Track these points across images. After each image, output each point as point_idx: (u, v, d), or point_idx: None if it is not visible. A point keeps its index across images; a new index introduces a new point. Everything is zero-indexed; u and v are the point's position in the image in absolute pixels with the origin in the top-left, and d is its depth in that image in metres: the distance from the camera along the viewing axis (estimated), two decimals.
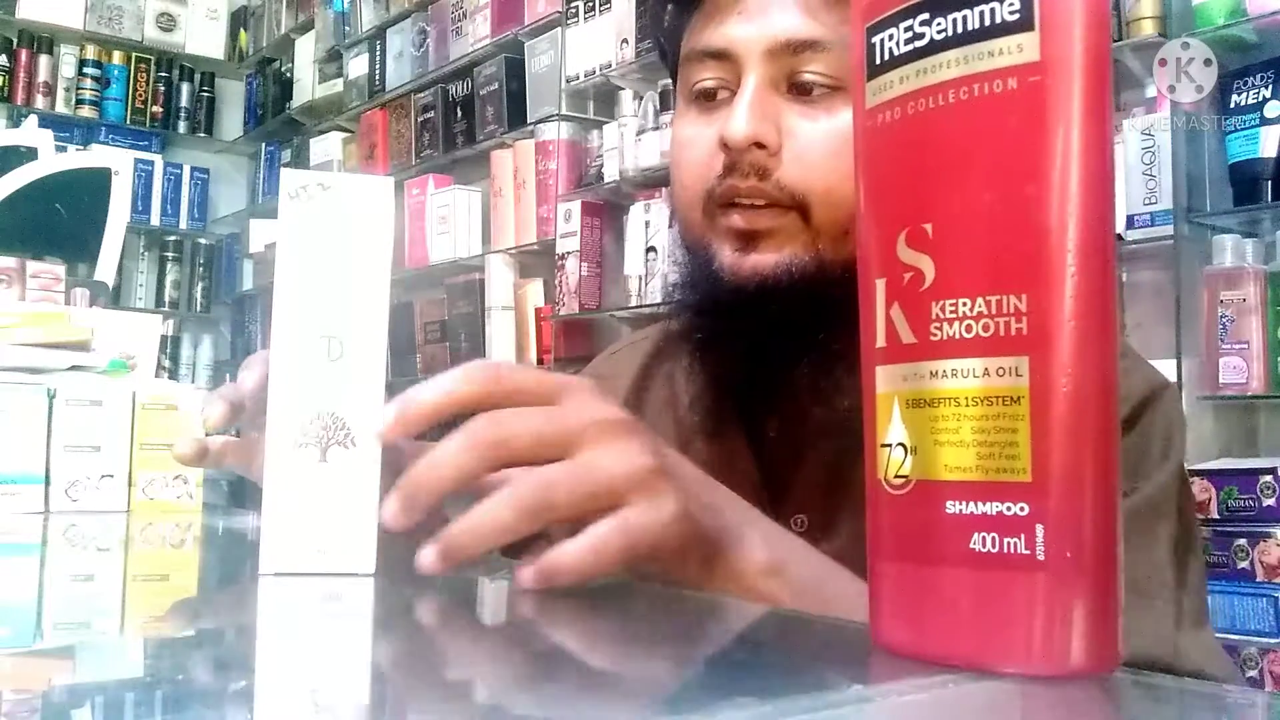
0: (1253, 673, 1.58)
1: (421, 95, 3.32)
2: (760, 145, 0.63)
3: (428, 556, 0.43)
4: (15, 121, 3.59)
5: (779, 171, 0.63)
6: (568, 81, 2.76)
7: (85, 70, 4.02)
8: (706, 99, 0.67)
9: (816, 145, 0.63)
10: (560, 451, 0.43)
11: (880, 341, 0.34)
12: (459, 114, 3.16)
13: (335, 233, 0.47)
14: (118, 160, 1.42)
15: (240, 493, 1.46)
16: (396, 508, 0.43)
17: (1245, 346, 1.66)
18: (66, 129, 3.80)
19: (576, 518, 0.43)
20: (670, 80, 0.77)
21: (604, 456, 0.43)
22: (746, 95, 0.63)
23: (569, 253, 2.69)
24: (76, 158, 1.68)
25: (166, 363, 3.93)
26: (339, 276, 0.47)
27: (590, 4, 2.71)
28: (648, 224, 2.51)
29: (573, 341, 2.75)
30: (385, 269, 0.47)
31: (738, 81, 0.65)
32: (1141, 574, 0.58)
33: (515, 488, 0.43)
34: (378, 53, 3.54)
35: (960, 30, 0.32)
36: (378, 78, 3.54)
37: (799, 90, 0.64)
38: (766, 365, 0.65)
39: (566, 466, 0.43)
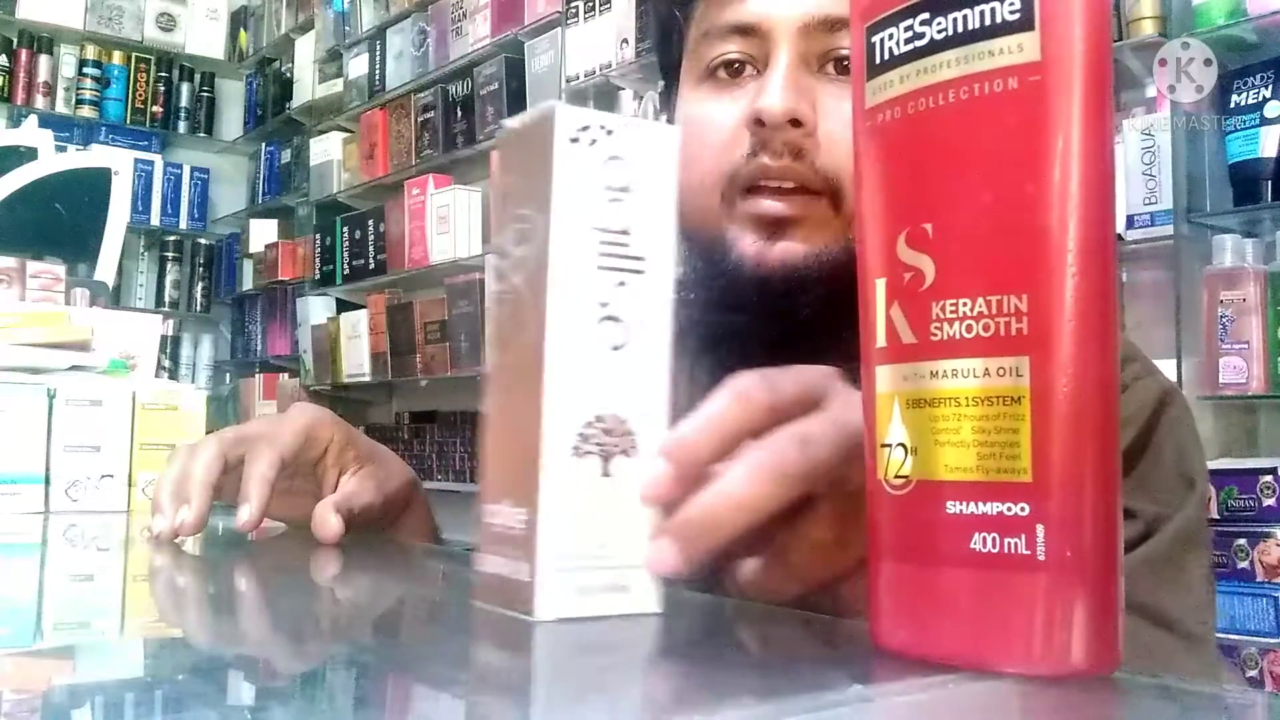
0: (1253, 673, 1.58)
1: (421, 95, 3.32)
2: (796, 123, 0.59)
3: (662, 551, 0.36)
4: (15, 121, 3.58)
5: (813, 153, 0.59)
6: (568, 81, 2.76)
7: (85, 70, 4.02)
8: (729, 74, 0.63)
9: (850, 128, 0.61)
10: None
11: (880, 341, 0.34)
12: (459, 114, 3.16)
13: (617, 188, 0.39)
14: (118, 160, 1.41)
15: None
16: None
17: (1245, 346, 1.66)
18: (66, 129, 3.79)
19: (836, 482, 0.37)
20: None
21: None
22: (781, 70, 0.60)
23: None
24: (76, 158, 1.68)
25: (166, 363, 3.93)
26: (621, 243, 0.38)
27: (590, 4, 2.71)
28: None
29: None
30: (671, 235, 0.40)
31: (765, 58, 0.61)
32: (1180, 613, 0.55)
33: (768, 450, 0.37)
34: (378, 53, 3.54)
35: (960, 30, 0.32)
36: (378, 78, 3.53)
37: (833, 70, 0.61)
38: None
39: (822, 419, 0.38)
